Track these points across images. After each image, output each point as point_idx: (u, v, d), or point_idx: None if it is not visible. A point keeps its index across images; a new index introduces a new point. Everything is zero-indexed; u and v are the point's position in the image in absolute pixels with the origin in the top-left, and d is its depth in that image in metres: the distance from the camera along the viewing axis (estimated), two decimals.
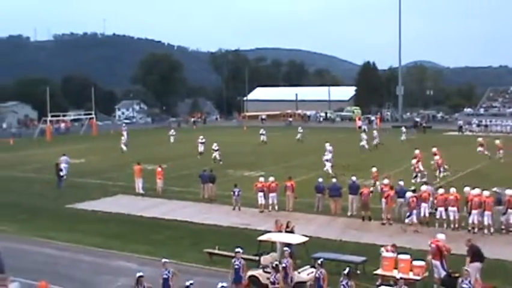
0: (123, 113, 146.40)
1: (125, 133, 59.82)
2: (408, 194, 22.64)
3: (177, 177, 35.39)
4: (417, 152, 33.70)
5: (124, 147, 48.69)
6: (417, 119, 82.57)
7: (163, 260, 14.60)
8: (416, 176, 30.74)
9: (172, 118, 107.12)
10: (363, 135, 48.14)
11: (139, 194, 30.35)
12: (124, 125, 63.63)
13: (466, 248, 15.86)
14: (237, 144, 51.91)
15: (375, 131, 52.48)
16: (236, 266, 14.95)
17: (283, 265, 14.98)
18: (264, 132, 54.92)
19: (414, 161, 32.42)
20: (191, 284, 12.80)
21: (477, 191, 22.08)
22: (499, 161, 39.74)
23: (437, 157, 33.56)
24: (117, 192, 31.10)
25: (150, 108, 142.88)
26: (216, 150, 41.11)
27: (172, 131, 51.99)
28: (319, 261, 14.39)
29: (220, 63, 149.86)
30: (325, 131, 59.01)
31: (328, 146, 38.47)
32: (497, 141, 42.10)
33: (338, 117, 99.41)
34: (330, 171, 34.56)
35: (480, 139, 44.23)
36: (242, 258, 15.20)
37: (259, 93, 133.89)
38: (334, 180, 25.50)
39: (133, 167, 32.56)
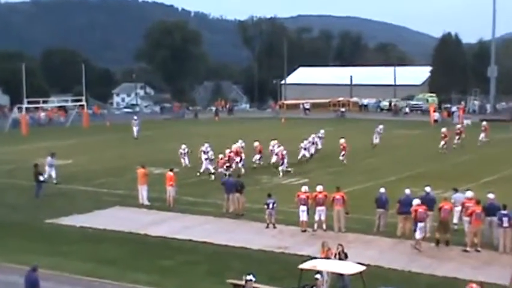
0: (123, 100, 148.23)
1: (135, 128, 60.22)
2: (415, 202, 23.44)
3: (193, 184, 35.60)
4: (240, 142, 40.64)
5: (186, 161, 41.27)
6: None
7: None
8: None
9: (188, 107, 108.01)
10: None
11: (143, 205, 30.61)
12: (135, 117, 63.43)
13: None
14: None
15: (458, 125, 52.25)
16: None
17: None
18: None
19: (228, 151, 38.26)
20: None
21: None
22: None
23: (256, 144, 40.45)
24: (114, 204, 31.36)
25: (158, 93, 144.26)
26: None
27: (207, 146, 39.68)
28: None
29: (252, 35, 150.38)
30: (388, 126, 58.43)
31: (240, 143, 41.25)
32: None
33: (406, 108, 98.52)
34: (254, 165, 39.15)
35: None
36: None
37: (302, 74, 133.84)
38: (408, 191, 25.22)
39: (135, 171, 32.78)
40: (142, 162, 33.32)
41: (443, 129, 48.89)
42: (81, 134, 67.12)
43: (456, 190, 25.83)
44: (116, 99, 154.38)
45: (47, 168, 36.20)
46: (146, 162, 34.37)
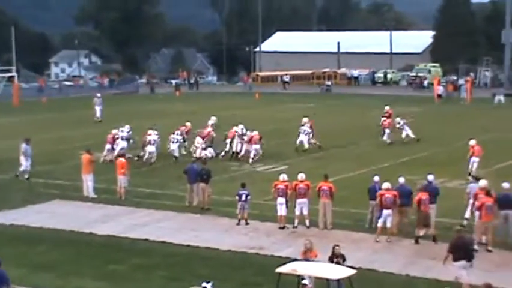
0: (63, 71, 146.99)
1: (98, 108, 59.27)
2: (385, 185, 24.29)
3: (150, 172, 35.60)
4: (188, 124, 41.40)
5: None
6: None
7: None
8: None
9: (141, 80, 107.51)
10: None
11: (88, 198, 30.50)
12: (98, 94, 62.09)
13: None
14: (245, 121, 51.90)
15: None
16: None
17: None
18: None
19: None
20: None
21: None
22: None
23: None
24: (53, 197, 31.16)
25: (106, 62, 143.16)
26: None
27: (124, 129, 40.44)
28: None
29: None
30: (381, 101, 58.64)
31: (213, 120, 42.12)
32: None
33: (404, 80, 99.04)
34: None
35: None
36: None
37: (280, 41, 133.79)
38: (402, 180, 25.41)
39: (79, 157, 32.66)
40: (87, 147, 33.16)
41: (384, 118, 45.43)
42: (10, 112, 66.44)
43: (476, 178, 25.96)
44: (54, 69, 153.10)
45: (22, 158, 34.97)
46: (93, 147, 34.18)
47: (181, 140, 39.29)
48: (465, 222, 25.00)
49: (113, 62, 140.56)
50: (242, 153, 38.63)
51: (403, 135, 44.21)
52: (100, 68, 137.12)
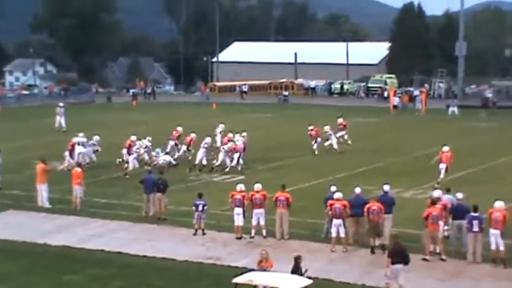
0: (17, 79, 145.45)
1: (61, 118, 58.38)
2: (336, 195, 24.52)
3: (106, 182, 35.42)
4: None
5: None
6: (489, 95, 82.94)
7: None
8: None
9: (99, 89, 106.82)
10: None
11: (43, 208, 30.22)
12: (60, 104, 61.20)
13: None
14: (202, 131, 51.86)
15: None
16: None
17: None
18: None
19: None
20: None
21: None
22: None
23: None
24: (7, 207, 30.82)
25: (62, 71, 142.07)
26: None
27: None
28: None
29: (177, 2, 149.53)
30: (338, 112, 59.06)
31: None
32: None
33: (360, 91, 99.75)
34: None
35: None
36: None
37: (238, 51, 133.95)
38: (358, 190, 25.55)
39: (34, 166, 32.33)
40: (42, 156, 32.87)
41: (310, 127, 44.85)
42: None
43: (448, 190, 25.81)
44: (8, 78, 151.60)
45: None
46: (48, 156, 33.93)
47: (151, 147, 39.50)
48: (446, 233, 24.76)
49: (69, 71, 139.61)
50: (218, 162, 38.55)
51: (326, 143, 44.46)
52: (55, 77, 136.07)
